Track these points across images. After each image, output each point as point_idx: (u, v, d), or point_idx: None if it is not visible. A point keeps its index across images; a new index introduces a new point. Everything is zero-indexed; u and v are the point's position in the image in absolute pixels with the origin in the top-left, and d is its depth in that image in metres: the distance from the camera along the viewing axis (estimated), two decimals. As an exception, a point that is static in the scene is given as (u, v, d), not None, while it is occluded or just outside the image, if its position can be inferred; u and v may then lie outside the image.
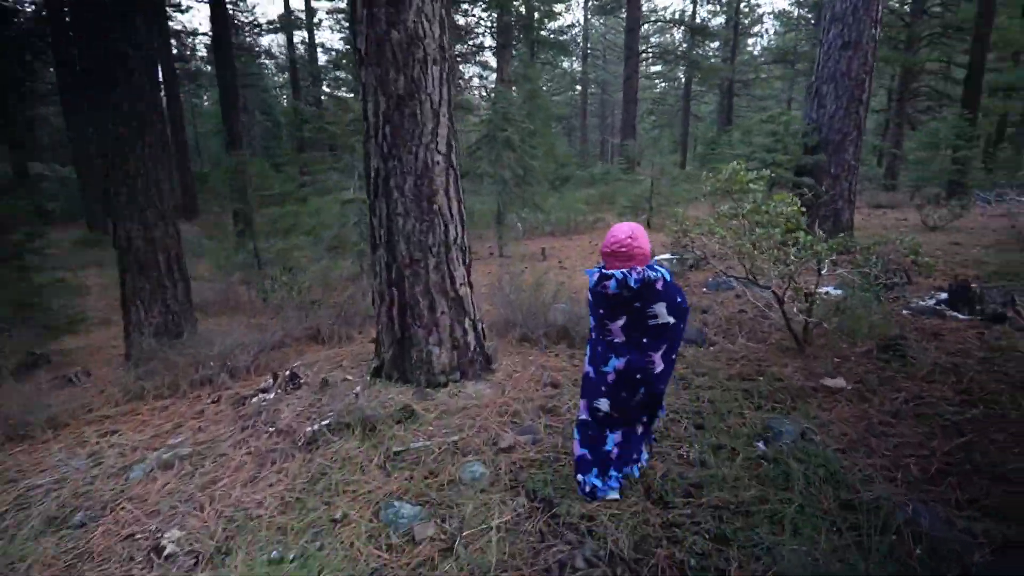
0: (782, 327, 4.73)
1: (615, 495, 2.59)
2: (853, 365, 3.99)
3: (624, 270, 2.35)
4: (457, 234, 3.79)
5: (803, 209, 3.91)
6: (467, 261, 3.94)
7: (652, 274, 2.35)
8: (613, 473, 2.62)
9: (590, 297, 2.53)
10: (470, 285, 3.99)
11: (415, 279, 3.70)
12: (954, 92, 22.18)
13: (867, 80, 6.70)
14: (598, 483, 2.60)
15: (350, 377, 4.17)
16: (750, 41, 38.90)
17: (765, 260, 3.94)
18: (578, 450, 2.67)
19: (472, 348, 3.93)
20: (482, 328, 4.14)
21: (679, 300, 2.43)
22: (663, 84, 43.94)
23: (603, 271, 2.43)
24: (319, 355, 5.03)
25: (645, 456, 2.80)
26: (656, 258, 7.00)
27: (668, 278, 2.41)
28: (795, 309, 4.17)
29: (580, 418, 2.67)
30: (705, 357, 4.35)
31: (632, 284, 2.32)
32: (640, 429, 2.68)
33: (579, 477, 2.66)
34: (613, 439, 2.61)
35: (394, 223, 3.64)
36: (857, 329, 4.01)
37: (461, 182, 3.89)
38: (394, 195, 3.60)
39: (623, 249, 2.35)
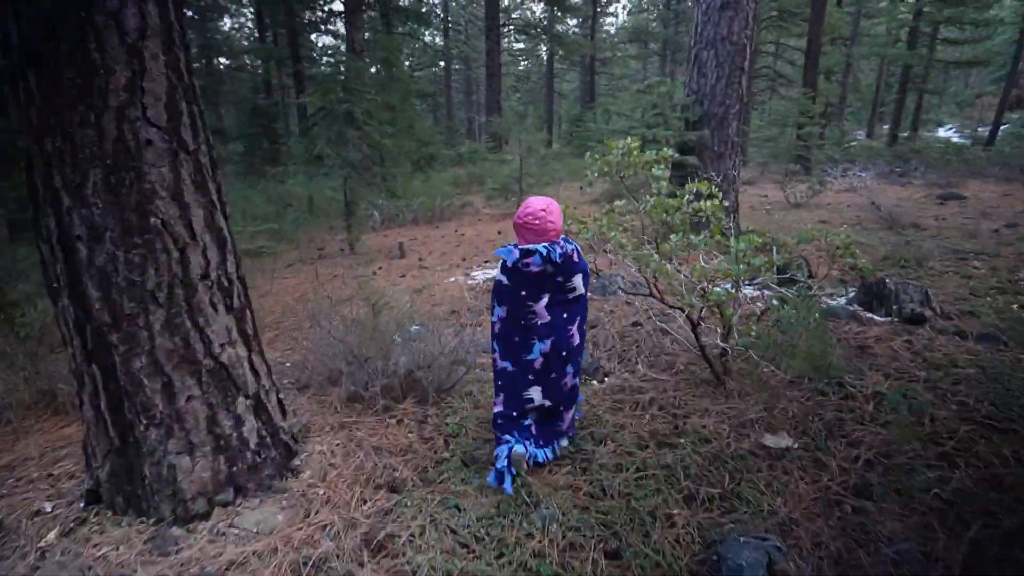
0: (688, 346, 3.73)
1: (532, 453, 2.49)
2: (787, 403, 3.04)
3: (546, 244, 2.23)
4: (209, 263, 2.21)
5: (726, 203, 2.84)
6: (237, 303, 2.39)
7: (570, 247, 2.30)
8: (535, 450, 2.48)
9: (504, 280, 2.32)
10: (248, 338, 2.45)
11: (131, 348, 2.09)
12: (787, 72, 23.65)
13: (748, 45, 5.97)
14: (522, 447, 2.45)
15: (49, 507, 2.45)
16: (608, 20, 39.40)
17: (679, 278, 2.82)
18: (499, 445, 2.49)
19: (254, 445, 2.41)
20: (278, 401, 2.63)
21: (586, 268, 2.43)
22: (526, 62, 43.35)
23: (522, 247, 2.25)
24: (30, 446, 3.17)
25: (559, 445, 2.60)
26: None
27: (576, 246, 2.37)
28: (717, 340, 3.13)
29: (499, 411, 2.51)
30: (603, 402, 3.20)
31: (557, 259, 2.24)
32: (565, 415, 2.57)
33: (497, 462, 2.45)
34: (531, 420, 2.52)
35: (76, 253, 1.99)
36: (792, 354, 3.04)
37: (218, 173, 2.32)
38: (65, 203, 1.94)
39: (536, 222, 2.22)
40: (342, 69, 7.88)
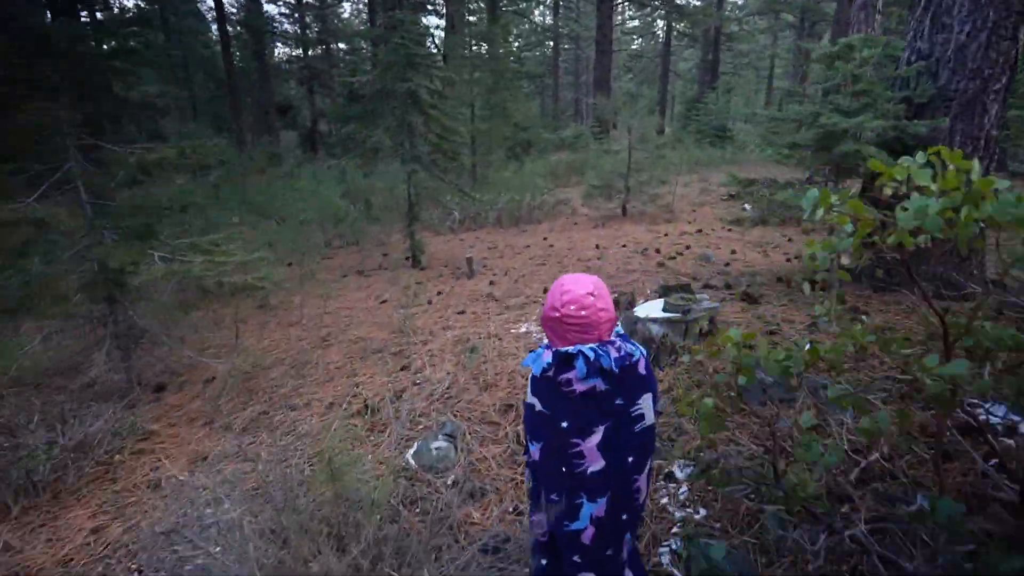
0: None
1: None
2: None
3: (593, 345, 1.40)
4: None
5: None
6: None
7: (631, 348, 1.47)
8: None
9: (537, 404, 1.49)
10: None
11: None
12: None
13: (1037, -25, 3.47)
14: None
15: None
16: (734, -10, 35.06)
17: None
18: None
19: None
20: None
21: (656, 386, 1.53)
22: (640, 39, 40.01)
23: (557, 350, 1.43)
24: None
25: None
26: (641, 308, 3.80)
27: (643, 351, 1.51)
28: None
29: None
30: None
31: (612, 367, 1.39)
32: None
33: None
34: None
35: None
36: None
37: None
38: None
39: (582, 313, 1.41)
40: (409, 44, 6.18)
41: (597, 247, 7.01)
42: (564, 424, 1.44)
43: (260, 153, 16.90)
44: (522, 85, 28.06)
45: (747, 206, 9.60)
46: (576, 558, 1.49)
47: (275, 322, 5.37)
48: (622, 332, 1.52)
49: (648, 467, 1.53)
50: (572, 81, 41.42)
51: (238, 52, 23.11)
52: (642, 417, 1.46)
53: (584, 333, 1.42)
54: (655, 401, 1.51)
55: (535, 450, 1.53)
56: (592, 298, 1.42)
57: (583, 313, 1.40)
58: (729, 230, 7.48)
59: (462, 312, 4.95)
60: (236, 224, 8.26)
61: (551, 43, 35.03)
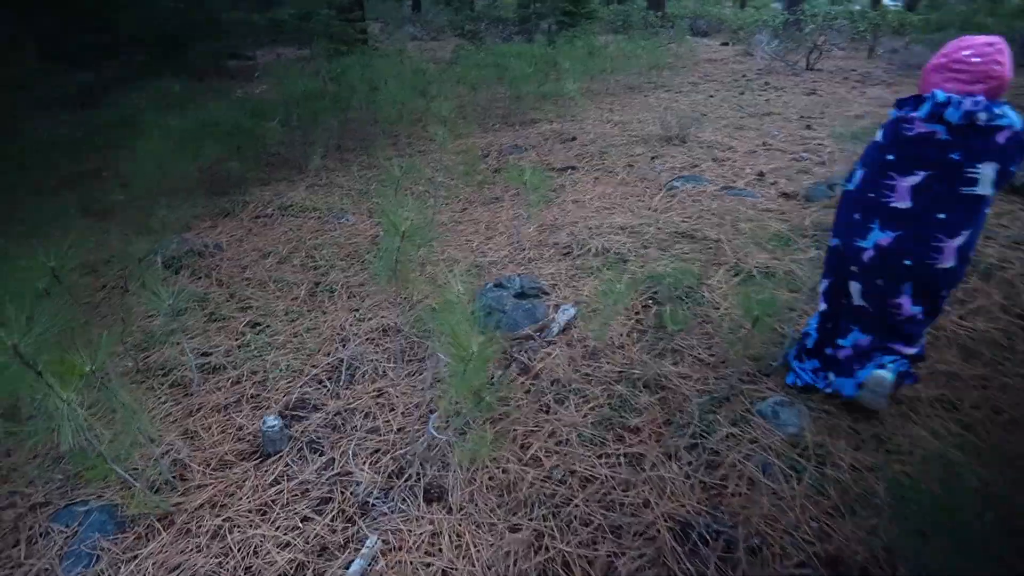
0: None
1: (799, 380, 1.76)
2: None
3: (949, 93, 1.36)
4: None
5: None
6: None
7: (997, 112, 1.32)
8: (832, 377, 1.70)
9: (879, 135, 1.54)
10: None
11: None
12: None
13: None
14: (793, 373, 1.79)
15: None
16: None
17: None
18: (809, 340, 1.79)
19: None
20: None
21: (1012, 168, 1.40)
22: None
23: (916, 95, 1.43)
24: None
25: (889, 372, 1.58)
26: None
27: (1019, 126, 1.34)
28: None
29: (819, 309, 1.79)
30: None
31: (955, 119, 1.34)
32: (898, 348, 1.61)
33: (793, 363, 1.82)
34: (853, 339, 1.66)
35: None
36: None
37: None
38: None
39: (975, 60, 1.36)
40: None
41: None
42: (890, 157, 1.45)
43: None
44: None
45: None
46: (853, 268, 1.55)
47: None
48: (1007, 105, 1.33)
49: (964, 237, 1.42)
50: None
51: None
52: (974, 182, 1.37)
53: (963, 84, 1.33)
54: (1001, 175, 1.37)
55: (858, 175, 1.55)
56: (990, 48, 1.34)
57: (975, 60, 1.33)
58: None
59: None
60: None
61: None
